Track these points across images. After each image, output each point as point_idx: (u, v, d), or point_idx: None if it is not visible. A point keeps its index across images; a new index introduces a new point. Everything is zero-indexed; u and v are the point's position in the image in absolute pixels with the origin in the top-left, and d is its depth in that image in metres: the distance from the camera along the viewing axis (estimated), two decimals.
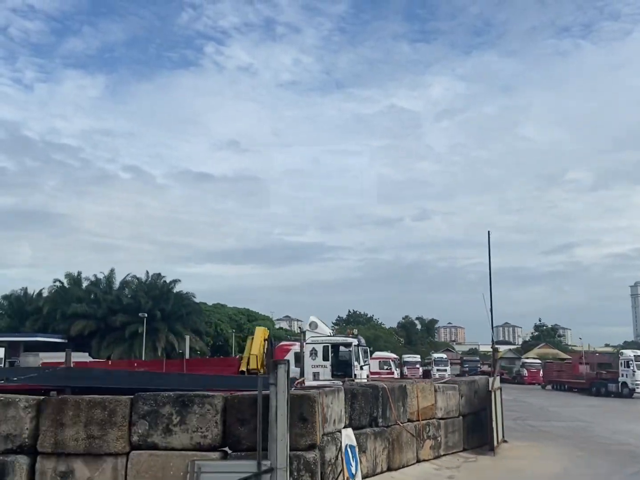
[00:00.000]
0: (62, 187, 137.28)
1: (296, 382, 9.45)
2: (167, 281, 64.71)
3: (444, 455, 9.43)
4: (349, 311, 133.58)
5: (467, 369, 62.75)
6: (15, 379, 8.02)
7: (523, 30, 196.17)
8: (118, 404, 6.06)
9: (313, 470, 5.76)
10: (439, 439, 9.35)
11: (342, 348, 19.09)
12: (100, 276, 66.30)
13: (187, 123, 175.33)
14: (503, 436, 11.13)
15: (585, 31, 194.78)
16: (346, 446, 6.40)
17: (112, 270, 66.17)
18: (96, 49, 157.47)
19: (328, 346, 18.67)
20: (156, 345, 59.78)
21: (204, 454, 5.86)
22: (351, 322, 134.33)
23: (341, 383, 8.67)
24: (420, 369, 55.77)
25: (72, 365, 13.34)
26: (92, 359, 40.63)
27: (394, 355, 40.04)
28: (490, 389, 10.53)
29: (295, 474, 5.73)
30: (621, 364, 36.21)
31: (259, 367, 19.11)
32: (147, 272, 66.18)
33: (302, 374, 16.08)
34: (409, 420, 8.66)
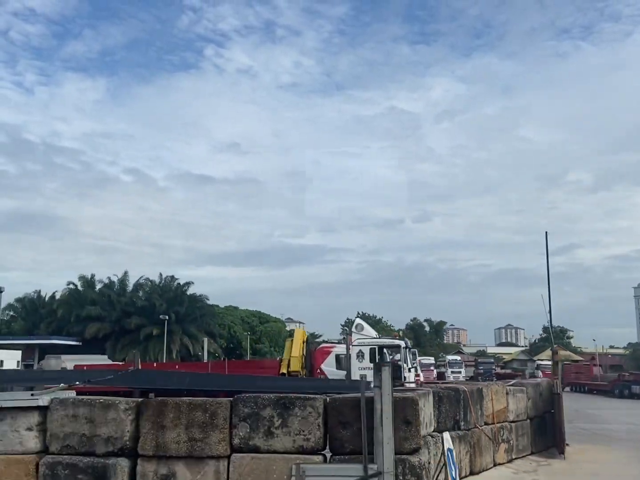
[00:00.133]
0: (63, 190, 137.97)
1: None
2: (181, 283, 64.89)
3: (516, 458, 9.39)
4: (358, 313, 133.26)
5: (481, 371, 62.47)
6: (93, 380, 7.99)
7: (523, 31, 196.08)
8: (219, 406, 6.05)
9: (419, 474, 5.73)
10: (511, 442, 9.32)
11: (390, 350, 19.05)
12: (114, 279, 66.45)
13: (188, 125, 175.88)
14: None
15: (585, 32, 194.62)
16: (447, 449, 6.37)
17: (125, 273, 66.27)
18: (97, 52, 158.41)
19: (375, 348, 18.62)
20: (171, 348, 59.83)
21: (307, 457, 5.84)
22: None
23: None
24: (435, 371, 55.60)
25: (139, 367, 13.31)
26: (111, 362, 40.66)
27: (432, 359, 39.89)
28: (557, 391, 10.50)
29: (401, 478, 5.70)
30: None
31: (300, 369, 19.07)
32: (161, 275, 66.26)
33: (348, 376, 16.05)
34: (485, 424, 8.64)
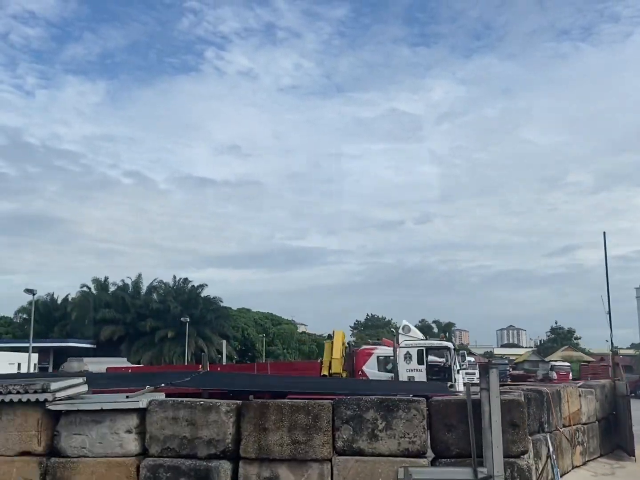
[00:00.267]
0: (64, 193, 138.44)
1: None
2: (195, 285, 64.95)
3: (589, 461, 9.33)
4: (367, 315, 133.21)
5: None
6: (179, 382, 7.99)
7: (523, 33, 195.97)
8: (322, 408, 6.02)
9: (527, 477, 5.70)
10: (585, 444, 9.27)
11: (438, 352, 19.02)
12: (128, 281, 66.55)
13: (188, 128, 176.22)
14: None
15: (585, 34, 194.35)
16: (552, 452, 6.35)
17: (139, 276, 66.39)
18: (97, 55, 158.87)
19: (423, 350, 18.59)
20: (185, 350, 59.78)
21: (414, 461, 5.81)
22: (370, 325, 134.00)
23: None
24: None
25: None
26: (130, 364, 40.71)
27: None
28: (626, 393, 10.42)
29: None
30: None
31: (342, 371, 19.06)
32: (174, 277, 66.38)
33: (396, 378, 16.03)
34: (563, 426, 8.59)
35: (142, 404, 6.26)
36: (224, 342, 53.75)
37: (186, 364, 50.40)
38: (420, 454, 5.92)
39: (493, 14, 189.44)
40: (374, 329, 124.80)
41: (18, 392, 6.19)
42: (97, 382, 7.92)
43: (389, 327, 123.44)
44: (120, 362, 38.41)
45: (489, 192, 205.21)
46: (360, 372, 19.33)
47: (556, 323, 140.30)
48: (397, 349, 18.47)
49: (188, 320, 51.54)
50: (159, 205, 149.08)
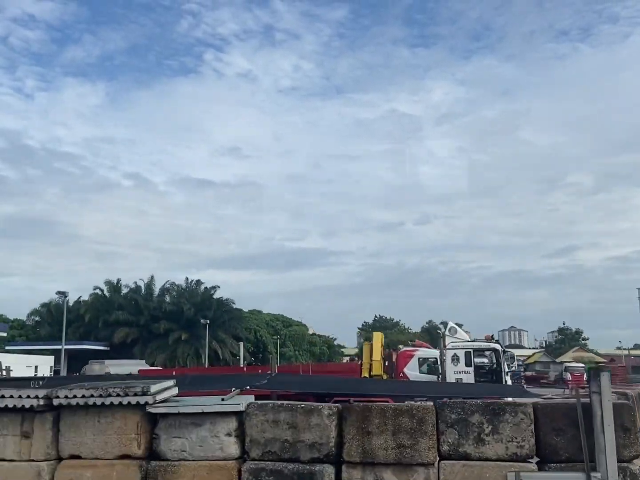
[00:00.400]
0: (64, 195, 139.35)
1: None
2: (207, 287, 65.00)
3: None
4: (375, 316, 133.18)
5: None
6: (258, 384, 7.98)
7: (522, 34, 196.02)
8: (426, 412, 5.97)
9: None
10: None
11: (487, 353, 18.97)
12: (140, 283, 66.63)
13: (188, 130, 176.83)
14: None
15: (584, 35, 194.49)
16: None
17: (151, 278, 66.50)
18: (96, 57, 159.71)
19: (470, 351, 18.54)
20: (199, 352, 59.83)
21: (522, 465, 5.76)
22: (378, 327, 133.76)
23: None
24: None
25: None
26: (149, 367, 40.71)
27: None
28: None
29: None
30: None
31: (382, 373, 19.03)
32: (187, 279, 66.54)
33: (443, 380, 15.98)
34: None
35: (242, 406, 6.23)
36: (242, 343, 53.86)
37: (207, 366, 50.37)
38: (528, 458, 5.86)
39: (492, 15, 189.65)
40: (382, 329, 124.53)
41: (118, 395, 6.16)
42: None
43: (397, 328, 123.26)
44: (140, 365, 38.42)
45: (488, 193, 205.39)
46: (401, 374, 19.30)
47: (564, 324, 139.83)
48: (444, 351, 18.41)
49: (208, 322, 51.52)
50: (159, 207, 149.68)
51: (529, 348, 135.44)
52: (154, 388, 6.27)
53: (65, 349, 58.56)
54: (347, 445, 6.05)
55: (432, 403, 6.22)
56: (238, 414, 6.29)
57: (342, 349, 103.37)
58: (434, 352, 20.01)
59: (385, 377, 18.90)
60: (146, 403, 6.17)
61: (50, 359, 51.00)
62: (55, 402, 6.19)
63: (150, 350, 59.40)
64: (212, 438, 6.19)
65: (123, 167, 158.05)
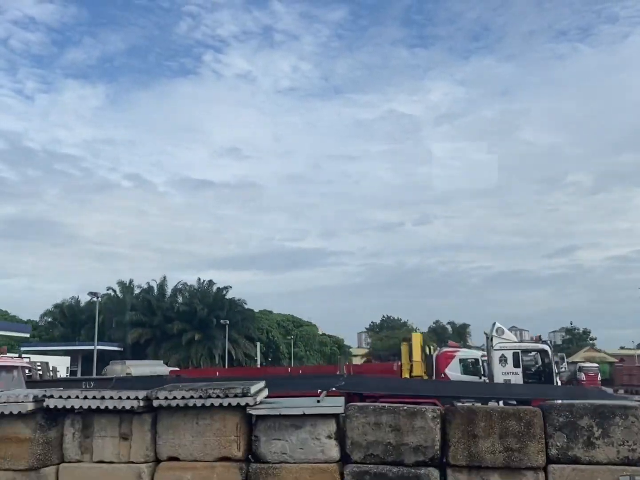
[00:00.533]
0: (64, 197, 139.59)
1: None
2: (220, 287, 64.97)
3: None
4: (383, 316, 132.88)
5: None
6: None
7: (521, 34, 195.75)
8: (534, 415, 5.90)
9: None
10: None
11: (535, 354, 18.88)
12: (152, 284, 66.66)
13: (188, 131, 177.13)
14: None
15: (583, 35, 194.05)
16: None
17: (164, 278, 66.54)
18: (96, 59, 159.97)
19: (519, 352, 18.44)
20: (213, 353, 59.83)
21: (635, 469, 5.70)
22: (385, 327, 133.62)
23: None
24: None
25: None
26: (167, 367, 40.70)
27: None
28: None
29: None
30: None
31: (423, 373, 18.97)
32: (199, 279, 66.51)
33: (490, 381, 15.89)
34: None
35: (343, 408, 6.17)
36: (258, 344, 53.82)
37: (226, 366, 50.32)
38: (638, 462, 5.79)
39: (491, 15, 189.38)
40: (390, 330, 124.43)
41: (218, 396, 6.11)
42: None
43: (405, 329, 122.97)
44: (158, 365, 38.44)
45: (488, 193, 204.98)
46: (443, 375, 19.22)
47: (571, 324, 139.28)
48: (492, 352, 18.32)
49: (227, 322, 51.45)
50: (159, 207, 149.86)
51: None
52: (253, 389, 6.22)
53: (80, 350, 58.69)
54: (452, 449, 5.97)
55: (535, 406, 6.13)
56: (336, 417, 6.23)
57: (351, 349, 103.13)
58: (475, 353, 19.94)
59: (425, 378, 18.86)
60: (247, 405, 6.11)
61: (67, 360, 51.01)
62: (155, 403, 6.14)
63: (164, 351, 59.39)
64: (312, 440, 6.12)
65: (123, 168, 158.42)
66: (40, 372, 22.59)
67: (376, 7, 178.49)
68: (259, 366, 49.46)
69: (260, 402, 6.36)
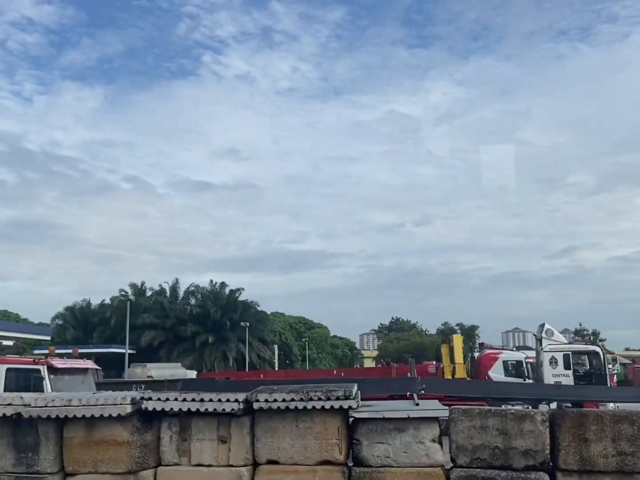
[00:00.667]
0: (63, 199, 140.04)
1: None
2: (233, 290, 64.89)
3: None
4: (392, 318, 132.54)
5: None
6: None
7: (521, 34, 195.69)
8: None
9: None
10: None
11: (587, 356, 18.69)
12: (165, 286, 66.63)
13: (187, 132, 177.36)
14: None
15: (583, 34, 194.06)
16: None
17: (176, 280, 66.54)
18: (95, 60, 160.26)
19: (569, 354, 18.27)
20: (227, 355, 59.73)
21: None
22: (394, 328, 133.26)
23: None
24: None
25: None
26: (185, 370, 40.60)
27: None
28: None
29: None
30: None
31: (466, 375, 18.83)
32: (212, 281, 66.43)
33: (540, 382, 15.74)
34: None
35: (447, 412, 6.05)
36: (275, 346, 53.67)
37: (247, 369, 50.16)
38: None
39: (491, 15, 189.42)
40: (399, 332, 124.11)
41: (320, 399, 5.99)
42: None
43: (414, 330, 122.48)
44: (177, 368, 38.35)
45: (488, 194, 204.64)
46: (486, 378, 19.07)
47: (580, 325, 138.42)
48: (541, 354, 18.16)
49: (247, 325, 51.35)
50: (158, 209, 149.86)
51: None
52: (354, 392, 6.11)
53: (93, 353, 58.58)
54: (563, 453, 5.84)
55: None
56: (438, 420, 6.11)
57: (362, 351, 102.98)
58: (518, 355, 19.80)
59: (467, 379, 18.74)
60: (349, 407, 6.00)
61: None
62: (256, 405, 6.03)
63: (177, 354, 59.32)
64: (416, 444, 6.00)
65: (122, 170, 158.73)
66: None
67: (375, 7, 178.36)
68: (277, 369, 49.27)
69: (361, 405, 6.25)
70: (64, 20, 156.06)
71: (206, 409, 6.02)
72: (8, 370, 12.94)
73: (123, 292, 66.41)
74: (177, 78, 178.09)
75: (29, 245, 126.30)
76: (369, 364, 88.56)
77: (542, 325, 19.40)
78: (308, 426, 6.10)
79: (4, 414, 5.92)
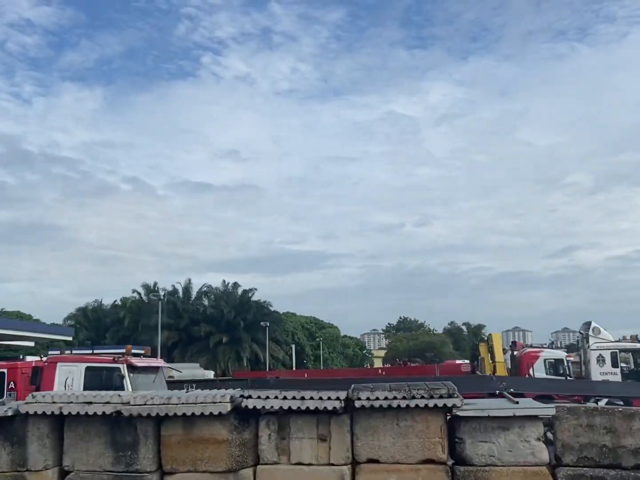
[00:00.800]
0: (63, 200, 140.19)
1: None
2: (246, 289, 64.80)
3: None
4: (400, 317, 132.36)
5: None
6: None
7: (520, 34, 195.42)
8: None
9: None
10: None
11: (631, 354, 18.57)
12: (178, 287, 66.61)
13: (186, 133, 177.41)
14: None
15: (581, 34, 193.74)
16: None
17: (189, 281, 66.48)
18: (94, 62, 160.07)
19: (616, 352, 18.16)
20: (241, 355, 59.63)
21: None
22: (402, 328, 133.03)
23: None
24: None
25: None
26: (203, 370, 40.59)
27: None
28: None
29: None
30: None
31: (506, 374, 18.74)
32: (224, 281, 66.35)
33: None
34: None
35: (554, 410, 5.96)
36: (293, 346, 53.57)
37: (268, 369, 50.07)
38: None
39: (489, 16, 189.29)
40: (407, 331, 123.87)
41: (423, 397, 5.91)
42: None
43: (422, 330, 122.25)
44: (195, 368, 38.34)
45: (488, 194, 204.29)
46: (527, 376, 18.96)
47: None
48: (588, 352, 18.06)
49: (267, 324, 51.24)
50: (158, 211, 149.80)
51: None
52: (456, 390, 6.02)
53: (106, 354, 58.33)
54: None
55: None
56: (541, 418, 6.02)
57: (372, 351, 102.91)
58: (559, 353, 19.72)
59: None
60: (453, 406, 5.91)
61: None
62: (357, 404, 5.94)
63: (191, 354, 59.25)
64: (521, 443, 5.91)
65: (122, 171, 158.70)
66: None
67: (375, 8, 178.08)
68: (294, 368, 49.22)
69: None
70: (63, 22, 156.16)
71: (307, 407, 5.95)
72: (87, 369, 13.07)
73: (136, 293, 66.52)
74: (176, 79, 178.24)
75: (28, 246, 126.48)
76: (378, 363, 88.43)
77: (589, 323, 19.25)
78: (409, 424, 6.01)
79: (104, 412, 5.85)
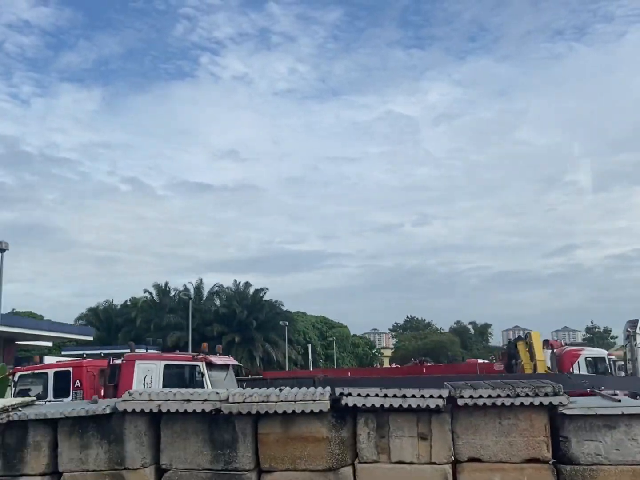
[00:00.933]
0: (62, 201, 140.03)
1: None
2: (257, 289, 64.78)
3: None
4: (407, 316, 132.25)
5: None
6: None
7: (518, 34, 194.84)
8: None
9: None
10: None
11: None
12: (189, 287, 66.59)
13: (185, 133, 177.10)
14: None
15: (579, 34, 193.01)
16: None
17: (200, 280, 66.50)
18: (92, 62, 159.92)
19: None
20: (254, 355, 59.61)
21: None
22: (409, 327, 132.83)
23: None
24: None
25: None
26: None
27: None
28: None
29: None
30: None
31: (547, 372, 18.61)
32: (235, 281, 66.35)
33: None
34: None
35: None
36: (309, 345, 53.48)
37: (288, 369, 49.97)
38: None
39: (488, 16, 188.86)
40: (414, 330, 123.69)
41: (527, 395, 5.80)
42: None
43: (428, 330, 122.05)
44: None
45: (487, 194, 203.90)
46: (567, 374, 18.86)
47: (592, 322, 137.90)
48: (635, 350, 17.93)
49: (287, 324, 51.17)
50: (157, 211, 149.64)
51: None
52: (562, 388, 5.91)
53: (118, 353, 58.40)
54: None
55: None
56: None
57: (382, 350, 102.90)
58: (601, 352, 19.60)
59: None
60: (559, 404, 5.80)
61: None
62: (460, 402, 5.83)
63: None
64: (629, 441, 5.79)
65: (121, 172, 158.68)
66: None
67: (373, 8, 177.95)
68: (310, 368, 49.12)
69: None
70: (61, 22, 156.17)
71: (409, 405, 5.84)
72: (166, 366, 13.07)
73: (147, 292, 66.56)
74: (174, 79, 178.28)
75: (27, 247, 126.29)
76: (385, 363, 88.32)
77: (634, 321, 19.11)
78: (512, 423, 5.90)
79: (203, 410, 5.76)
